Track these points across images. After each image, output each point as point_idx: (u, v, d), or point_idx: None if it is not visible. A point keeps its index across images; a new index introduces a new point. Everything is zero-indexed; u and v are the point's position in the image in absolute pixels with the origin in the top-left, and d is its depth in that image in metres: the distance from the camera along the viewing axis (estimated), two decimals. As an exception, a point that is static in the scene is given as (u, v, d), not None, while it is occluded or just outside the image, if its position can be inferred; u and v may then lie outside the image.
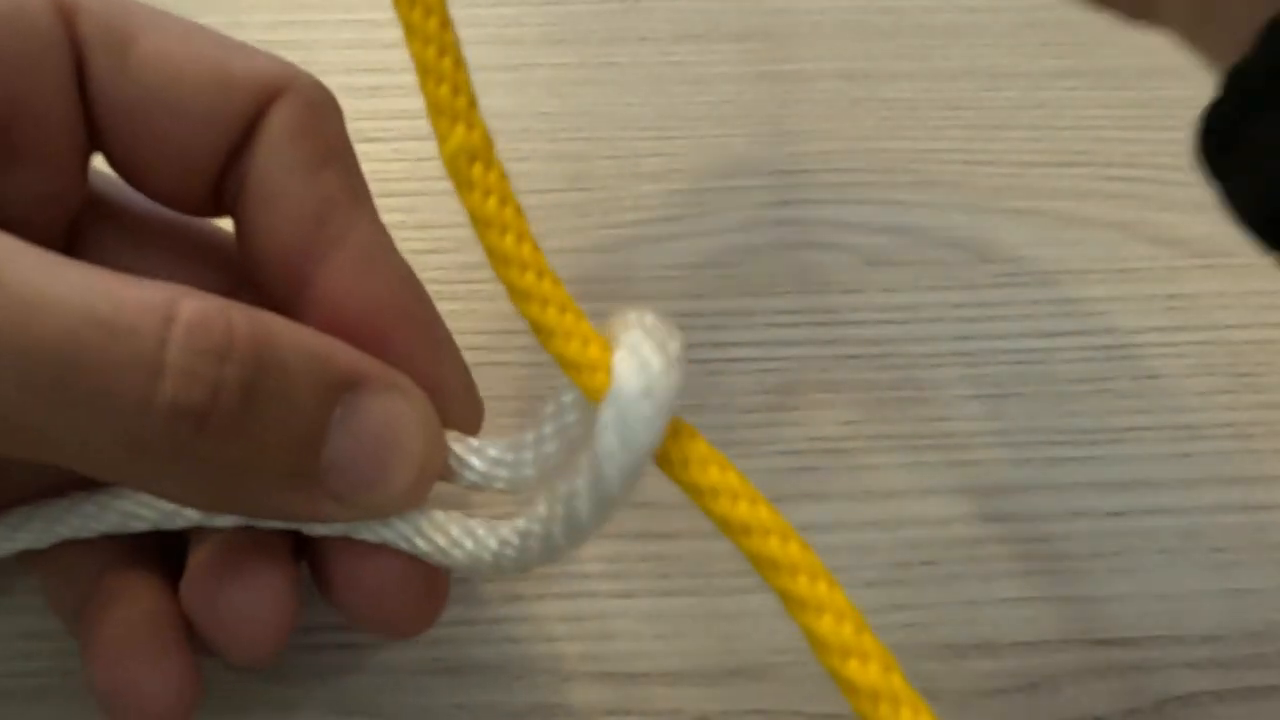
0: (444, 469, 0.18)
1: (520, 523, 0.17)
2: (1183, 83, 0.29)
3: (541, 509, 0.17)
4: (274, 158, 0.18)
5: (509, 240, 0.16)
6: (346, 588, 0.19)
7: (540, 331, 0.17)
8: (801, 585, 0.15)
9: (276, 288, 0.19)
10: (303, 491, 0.17)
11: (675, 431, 0.16)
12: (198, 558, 0.19)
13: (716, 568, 0.23)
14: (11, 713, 0.21)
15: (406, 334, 0.18)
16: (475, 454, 0.18)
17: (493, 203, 0.16)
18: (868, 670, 0.15)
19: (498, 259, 0.16)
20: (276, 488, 0.17)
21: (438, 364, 0.19)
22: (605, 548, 0.23)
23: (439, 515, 0.18)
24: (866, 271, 0.27)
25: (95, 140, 0.19)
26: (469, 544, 0.18)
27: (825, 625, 0.15)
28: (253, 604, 0.18)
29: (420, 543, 0.18)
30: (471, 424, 0.20)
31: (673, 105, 0.29)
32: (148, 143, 0.18)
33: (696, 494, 0.16)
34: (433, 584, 0.19)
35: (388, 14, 0.29)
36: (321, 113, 0.19)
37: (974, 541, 0.23)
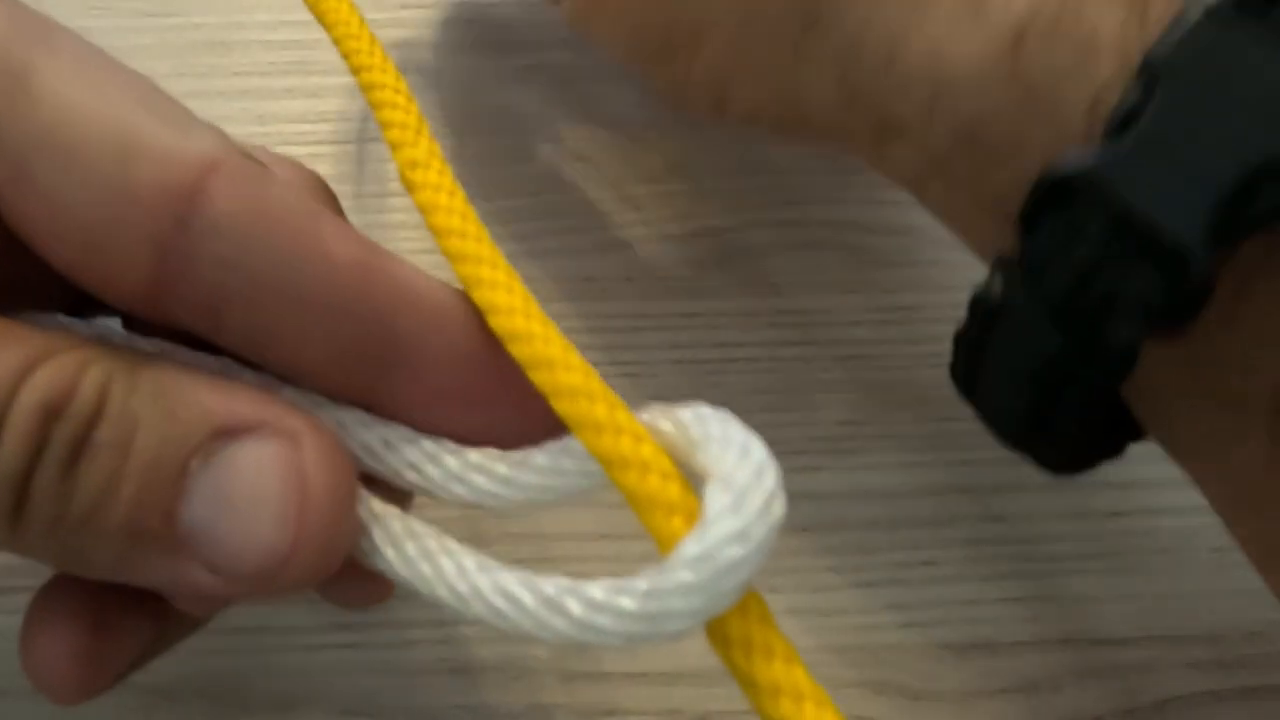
0: (354, 527, 0.16)
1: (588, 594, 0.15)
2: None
3: (575, 607, 0.14)
4: (231, 252, 0.15)
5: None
6: None
7: (610, 464, 0.14)
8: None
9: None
10: (166, 559, 0.15)
11: (744, 605, 0.14)
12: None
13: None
14: (11, 713, 0.21)
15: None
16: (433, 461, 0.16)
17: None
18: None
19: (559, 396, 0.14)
20: (132, 554, 0.15)
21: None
22: (605, 548, 0.23)
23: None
24: (866, 271, 0.27)
25: None
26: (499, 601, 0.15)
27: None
28: (46, 660, 0.17)
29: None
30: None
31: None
32: (48, 220, 0.15)
33: (749, 686, 0.14)
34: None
35: (388, 14, 0.29)
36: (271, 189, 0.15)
37: (974, 541, 0.23)
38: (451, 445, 0.16)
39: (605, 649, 0.21)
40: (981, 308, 0.18)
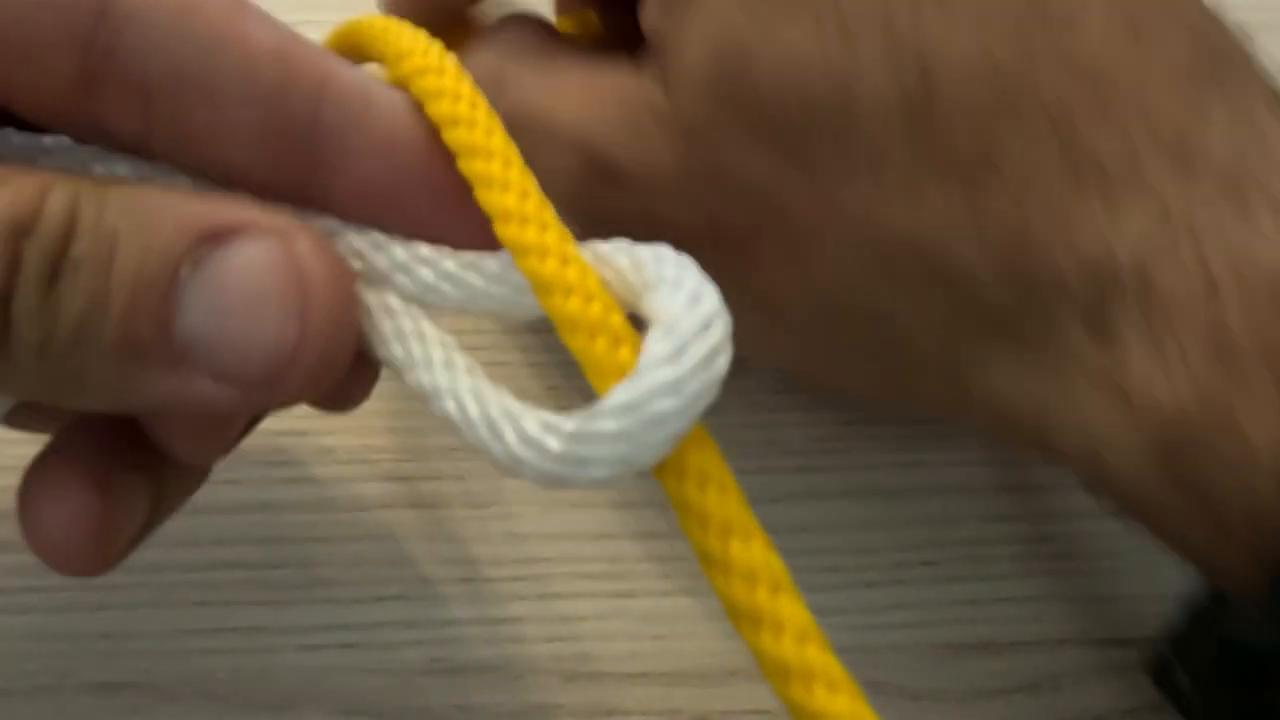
0: (355, 319, 0.15)
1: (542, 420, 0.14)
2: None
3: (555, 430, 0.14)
4: (150, 46, 0.14)
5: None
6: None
7: (516, 250, 0.14)
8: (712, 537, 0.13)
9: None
10: (167, 373, 0.14)
11: (694, 440, 0.13)
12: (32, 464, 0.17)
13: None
14: (12, 712, 0.21)
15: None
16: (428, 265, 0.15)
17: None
18: (781, 641, 0.13)
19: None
20: (130, 373, 0.14)
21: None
22: (605, 548, 0.23)
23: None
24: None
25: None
26: (474, 412, 0.14)
27: (712, 542, 0.13)
28: (55, 527, 0.16)
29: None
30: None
31: None
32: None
33: (683, 511, 0.14)
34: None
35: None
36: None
37: (974, 541, 0.23)
38: (401, 237, 0.15)
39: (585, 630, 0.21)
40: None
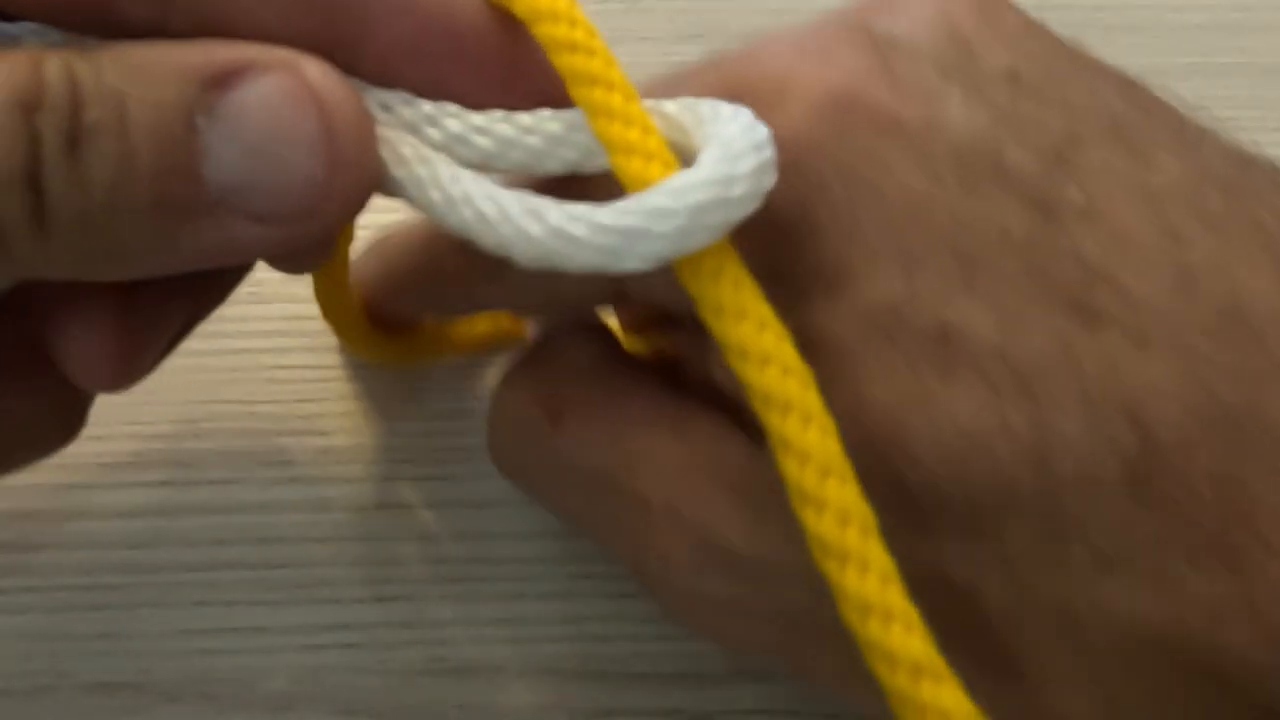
0: (374, 144, 0.15)
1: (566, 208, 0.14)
2: (1182, 83, 0.29)
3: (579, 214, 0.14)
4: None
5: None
6: None
7: (594, 114, 0.15)
8: (792, 427, 0.14)
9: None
10: (208, 223, 0.14)
11: (722, 256, 0.14)
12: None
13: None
14: (11, 712, 0.21)
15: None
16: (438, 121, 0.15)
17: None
18: (866, 580, 0.14)
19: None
20: (172, 228, 0.14)
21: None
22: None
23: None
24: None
25: None
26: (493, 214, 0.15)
27: (808, 478, 0.14)
28: (79, 347, 0.16)
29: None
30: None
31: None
32: None
33: (713, 310, 0.14)
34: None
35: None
36: None
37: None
38: (453, 107, 0.16)
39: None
40: None
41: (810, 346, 0.15)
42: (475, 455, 0.23)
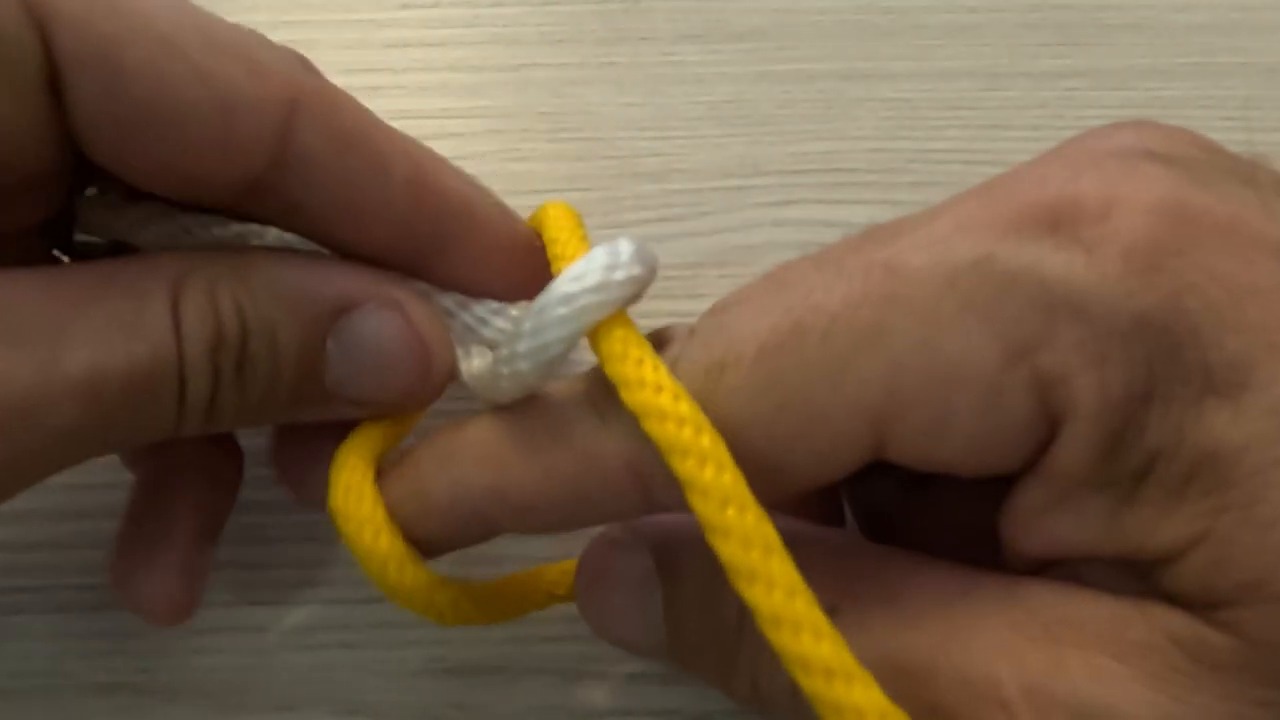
0: (452, 359, 0.20)
1: (487, 358, 0.19)
2: (1183, 83, 0.29)
3: (489, 359, 0.19)
4: (313, 176, 0.18)
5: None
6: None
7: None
8: (693, 468, 0.16)
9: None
10: (320, 406, 0.19)
11: (619, 323, 0.17)
12: (120, 534, 0.21)
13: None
14: (11, 712, 0.21)
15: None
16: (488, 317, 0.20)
17: None
18: (773, 594, 0.15)
19: None
20: (295, 411, 0.19)
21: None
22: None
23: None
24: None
25: (88, 156, 0.18)
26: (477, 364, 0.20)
27: (711, 509, 0.15)
28: (150, 592, 0.20)
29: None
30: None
31: (673, 105, 0.29)
32: (151, 167, 0.18)
33: (622, 385, 0.17)
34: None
35: (388, 14, 0.29)
36: (342, 108, 0.19)
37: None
38: (494, 305, 0.21)
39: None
40: None
41: (1209, 459, 0.15)
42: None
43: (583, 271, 0.17)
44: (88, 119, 0.17)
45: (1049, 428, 0.16)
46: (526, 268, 0.20)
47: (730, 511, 0.15)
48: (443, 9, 0.32)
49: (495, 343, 0.20)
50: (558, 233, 0.20)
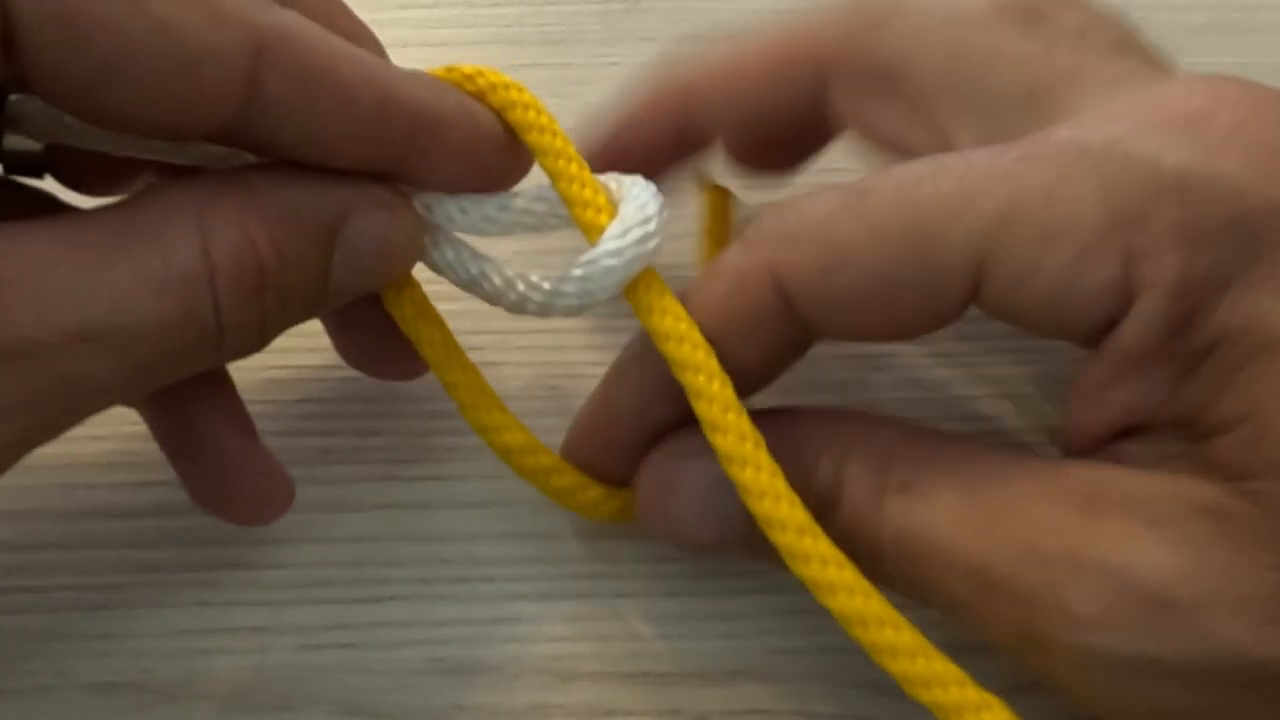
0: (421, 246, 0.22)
1: (533, 279, 0.21)
2: (1183, 83, 0.29)
3: (545, 284, 0.21)
4: (281, 115, 0.18)
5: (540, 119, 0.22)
6: None
7: (556, 178, 0.21)
8: (731, 442, 0.19)
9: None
10: (327, 304, 0.20)
11: (649, 277, 0.21)
12: (185, 458, 0.22)
13: (716, 568, 0.23)
14: (11, 712, 0.21)
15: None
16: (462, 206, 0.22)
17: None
18: (760, 476, 0.19)
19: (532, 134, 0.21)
20: (307, 317, 0.20)
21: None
22: (605, 548, 0.23)
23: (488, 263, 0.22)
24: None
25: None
26: (499, 282, 0.21)
27: (714, 412, 0.19)
28: (241, 496, 0.22)
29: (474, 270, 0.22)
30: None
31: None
32: (115, 117, 0.18)
33: (657, 337, 0.20)
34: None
35: (388, 14, 0.29)
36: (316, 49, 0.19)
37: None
38: (471, 198, 0.22)
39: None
40: None
41: (1268, 346, 0.17)
42: (475, 455, 0.23)
43: (624, 229, 0.20)
44: (48, 76, 0.17)
45: (1123, 302, 0.18)
46: (495, 160, 0.22)
47: (730, 415, 0.19)
48: (443, 9, 0.32)
49: (497, 233, 0.22)
50: (555, 153, 0.21)
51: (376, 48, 0.22)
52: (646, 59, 0.26)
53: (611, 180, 0.22)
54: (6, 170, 0.21)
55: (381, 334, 0.22)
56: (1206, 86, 0.19)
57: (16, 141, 0.20)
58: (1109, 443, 0.19)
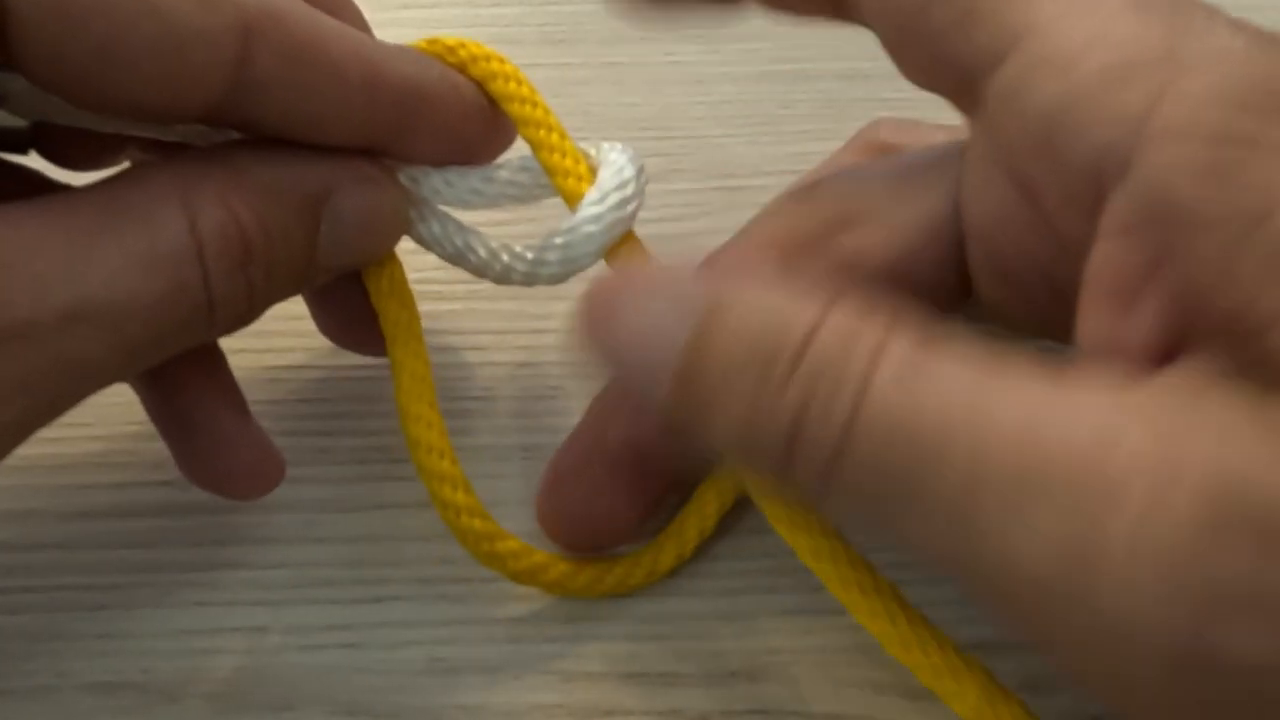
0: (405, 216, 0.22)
1: (517, 249, 0.22)
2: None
3: (528, 254, 0.21)
4: (270, 96, 0.19)
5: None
6: None
7: (537, 148, 0.22)
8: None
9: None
10: (314, 279, 0.21)
11: (630, 241, 0.21)
12: (178, 436, 0.22)
13: (716, 568, 0.23)
14: (12, 712, 0.21)
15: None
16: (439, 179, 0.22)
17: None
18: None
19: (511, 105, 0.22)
20: (295, 291, 0.21)
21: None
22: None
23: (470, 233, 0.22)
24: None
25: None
26: (484, 254, 0.22)
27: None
28: (233, 473, 0.22)
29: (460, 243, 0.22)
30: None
31: (673, 105, 0.29)
32: (104, 100, 0.18)
33: None
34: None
35: (388, 14, 0.29)
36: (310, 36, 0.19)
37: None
38: (456, 171, 0.22)
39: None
40: None
41: None
42: (475, 455, 0.23)
43: (601, 195, 0.21)
44: (38, 60, 0.17)
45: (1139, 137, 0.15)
46: (478, 132, 0.22)
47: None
48: (443, 9, 0.32)
49: (482, 205, 0.22)
50: (536, 123, 0.22)
51: (358, 19, 0.22)
52: (647, 59, 0.26)
53: (591, 148, 0.22)
54: None
55: (360, 308, 0.22)
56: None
57: (1, 118, 0.20)
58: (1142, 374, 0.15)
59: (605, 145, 0.22)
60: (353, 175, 0.20)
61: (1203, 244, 0.14)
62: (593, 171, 0.22)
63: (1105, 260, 0.15)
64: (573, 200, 0.21)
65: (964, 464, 0.14)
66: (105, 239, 0.18)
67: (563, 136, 0.22)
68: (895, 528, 0.15)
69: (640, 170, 0.22)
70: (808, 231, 0.21)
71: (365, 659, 0.22)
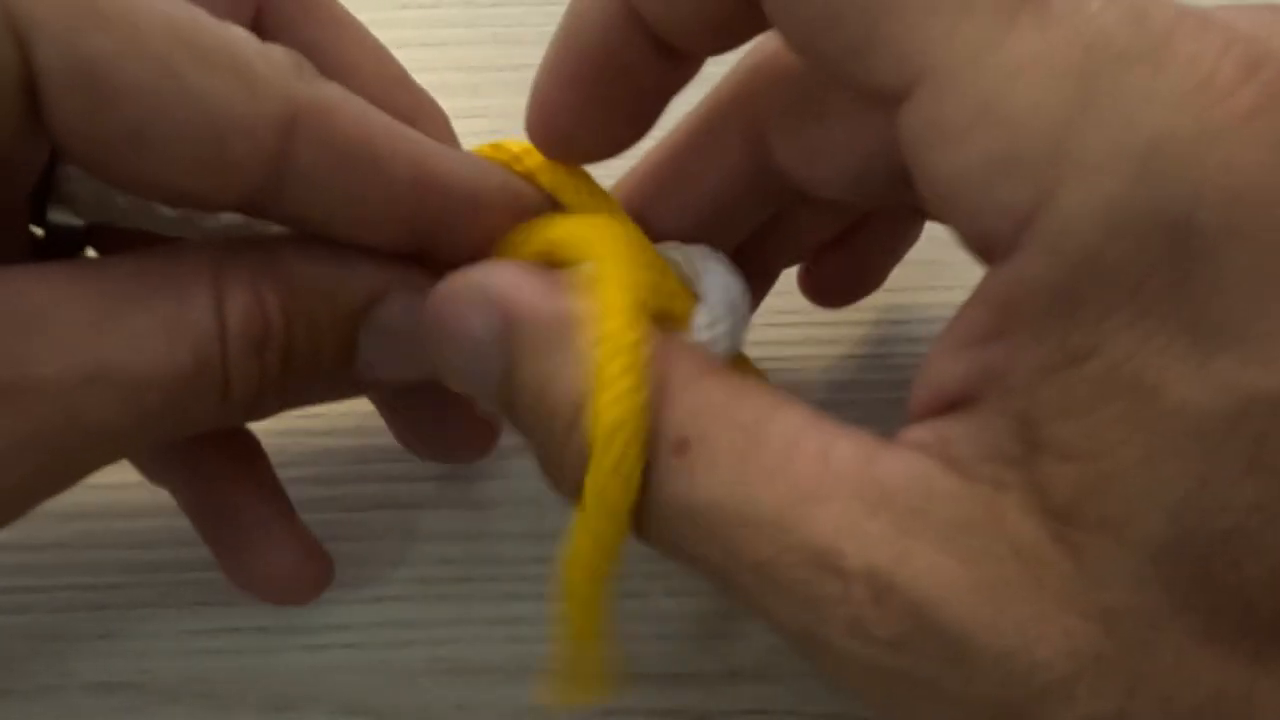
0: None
1: None
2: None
3: None
4: (313, 189, 0.18)
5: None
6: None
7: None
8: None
9: None
10: (351, 388, 0.21)
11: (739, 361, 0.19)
12: (219, 536, 0.22)
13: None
14: (13, 711, 0.21)
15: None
16: None
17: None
18: None
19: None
20: (328, 396, 0.21)
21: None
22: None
23: None
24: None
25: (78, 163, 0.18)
26: None
27: None
28: (276, 576, 0.21)
29: None
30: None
31: (674, 105, 0.29)
32: (138, 182, 0.18)
33: None
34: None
35: (388, 14, 0.29)
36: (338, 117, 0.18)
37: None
38: None
39: None
40: None
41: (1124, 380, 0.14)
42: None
43: (712, 320, 0.18)
44: (70, 134, 0.17)
45: (1024, 230, 0.15)
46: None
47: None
48: (443, 9, 0.32)
49: None
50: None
51: (437, 121, 0.22)
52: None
53: (675, 252, 0.20)
54: (48, 241, 0.20)
55: (434, 415, 0.22)
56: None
57: (61, 215, 0.20)
58: (944, 412, 0.16)
59: (694, 251, 0.19)
60: (401, 283, 0.19)
61: (1024, 368, 0.15)
62: (684, 287, 0.19)
63: (966, 313, 0.16)
64: (668, 322, 0.18)
65: (720, 555, 0.16)
66: (133, 306, 0.17)
67: (644, 247, 0.19)
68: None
69: (746, 287, 0.19)
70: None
71: (365, 659, 0.22)
